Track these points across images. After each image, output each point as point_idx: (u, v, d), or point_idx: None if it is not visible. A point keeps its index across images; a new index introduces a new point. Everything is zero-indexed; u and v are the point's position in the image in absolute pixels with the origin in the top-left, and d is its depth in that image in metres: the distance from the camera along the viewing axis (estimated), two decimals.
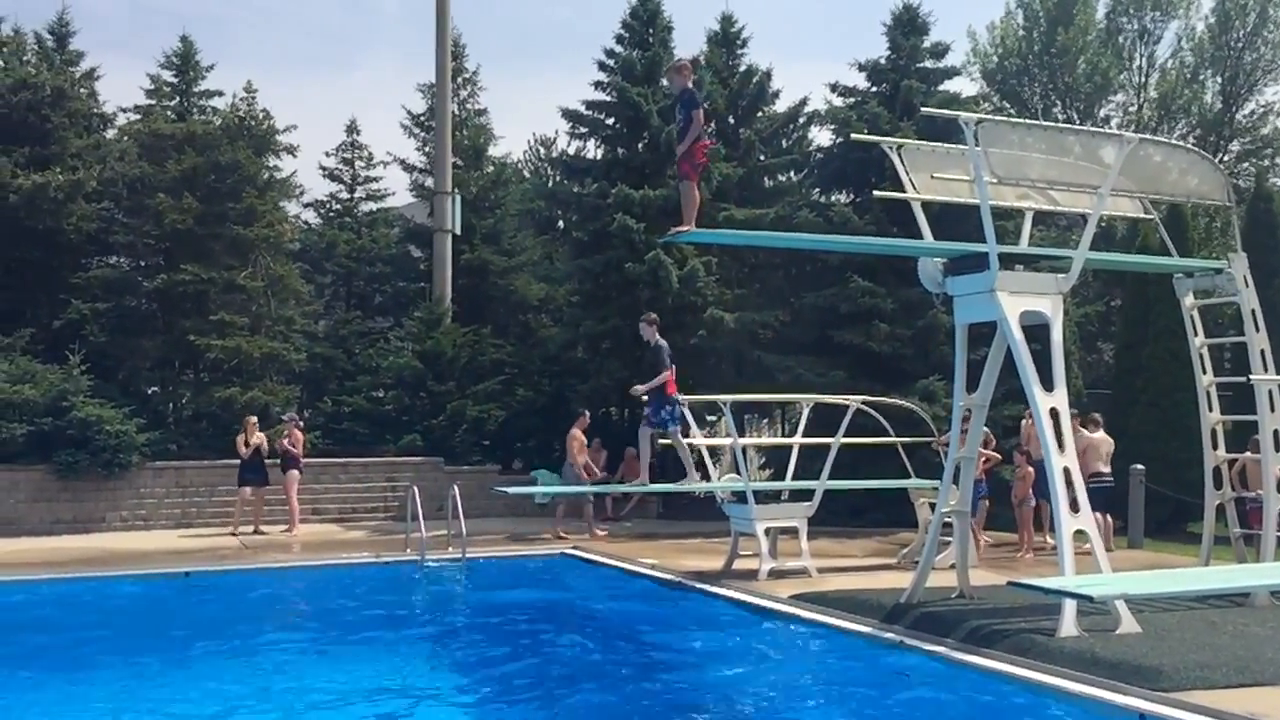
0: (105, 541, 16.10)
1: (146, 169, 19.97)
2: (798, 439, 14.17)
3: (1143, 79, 31.68)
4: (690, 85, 9.88)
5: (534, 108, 63.04)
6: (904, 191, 11.33)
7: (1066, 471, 9.45)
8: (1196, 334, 11.72)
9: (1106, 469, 14.67)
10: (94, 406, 17.11)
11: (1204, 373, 11.69)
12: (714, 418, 20.49)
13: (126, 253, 21.02)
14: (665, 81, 10.74)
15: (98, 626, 10.82)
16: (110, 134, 21.55)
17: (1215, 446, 11.68)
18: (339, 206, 25.30)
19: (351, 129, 25.10)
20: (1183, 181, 11.45)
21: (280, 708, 7.91)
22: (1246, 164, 30.40)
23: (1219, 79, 30.71)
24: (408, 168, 25.16)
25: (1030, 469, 15.09)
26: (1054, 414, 9.59)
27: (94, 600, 12.08)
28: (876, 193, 13.92)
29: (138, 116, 21.55)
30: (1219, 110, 30.52)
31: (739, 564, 13.04)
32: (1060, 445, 9.51)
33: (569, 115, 21.46)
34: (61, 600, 12.09)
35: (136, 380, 19.52)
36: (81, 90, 20.91)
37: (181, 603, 12.04)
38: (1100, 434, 14.83)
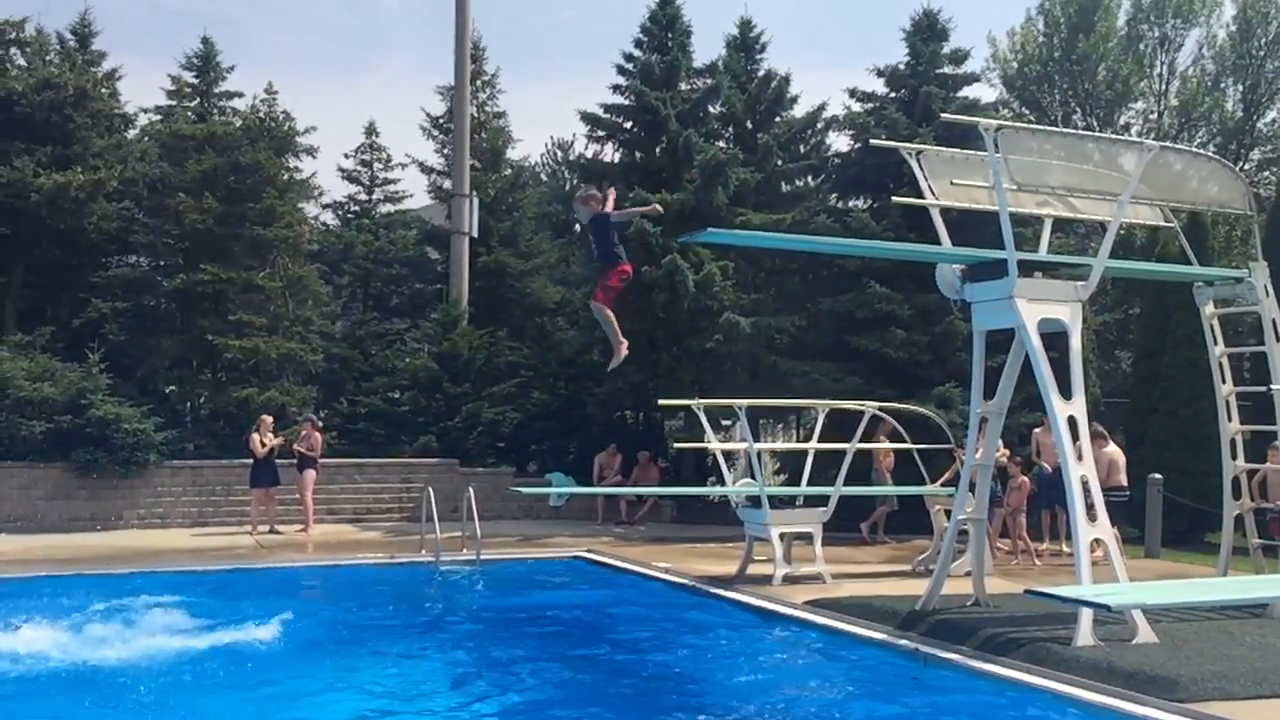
0: (122, 539, 16.18)
1: (167, 169, 20.14)
2: (813, 444, 14.15)
3: (1163, 86, 31.49)
4: (601, 210, 9.16)
5: (552, 111, 63.25)
6: (922, 197, 11.28)
7: (1084, 480, 9.40)
8: (1216, 343, 11.63)
9: (1125, 481, 14.22)
10: (112, 405, 17.21)
11: (1223, 382, 11.60)
12: (729, 422, 20.47)
13: (146, 252, 21.22)
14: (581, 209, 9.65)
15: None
16: (131, 134, 21.76)
17: (1234, 457, 11.59)
18: (357, 208, 25.45)
19: (370, 131, 25.26)
20: (1203, 190, 11.39)
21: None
22: (1268, 172, 30.16)
23: (1240, 87, 30.49)
24: (426, 170, 25.26)
25: (1025, 479, 15.00)
26: (1072, 422, 9.56)
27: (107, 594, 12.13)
28: (895, 198, 13.87)
29: (159, 117, 21.78)
30: (1240, 118, 30.30)
31: (753, 569, 13.02)
32: (1079, 454, 9.46)
33: (587, 119, 21.45)
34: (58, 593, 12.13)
35: (155, 379, 19.61)
36: (103, 90, 21.06)
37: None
38: (1110, 447, 14.15)
